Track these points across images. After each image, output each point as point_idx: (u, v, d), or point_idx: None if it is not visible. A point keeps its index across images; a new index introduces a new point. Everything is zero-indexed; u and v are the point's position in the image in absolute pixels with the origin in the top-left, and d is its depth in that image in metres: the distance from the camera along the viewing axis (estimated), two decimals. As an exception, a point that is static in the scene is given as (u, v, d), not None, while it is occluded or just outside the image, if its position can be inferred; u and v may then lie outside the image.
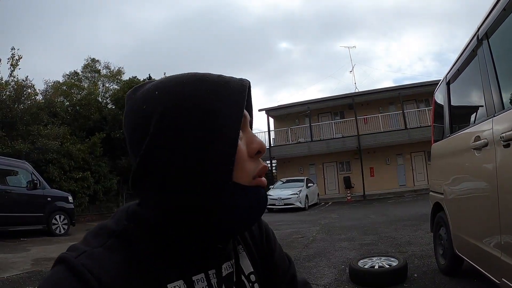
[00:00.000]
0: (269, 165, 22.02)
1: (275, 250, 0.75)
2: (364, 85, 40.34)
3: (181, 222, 0.51)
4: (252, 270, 0.67)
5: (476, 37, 2.07)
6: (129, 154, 0.54)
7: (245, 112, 0.55)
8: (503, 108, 1.78)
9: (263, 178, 0.56)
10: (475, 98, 2.34)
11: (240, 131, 0.53)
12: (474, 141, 2.12)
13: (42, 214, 7.62)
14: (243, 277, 0.64)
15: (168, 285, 0.51)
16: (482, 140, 1.98)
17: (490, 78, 1.89)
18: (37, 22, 39.03)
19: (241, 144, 0.53)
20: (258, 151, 0.55)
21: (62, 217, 8.10)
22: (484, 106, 2.03)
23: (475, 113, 2.37)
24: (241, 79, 0.56)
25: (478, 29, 2.03)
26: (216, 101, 0.50)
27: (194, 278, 0.54)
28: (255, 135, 0.57)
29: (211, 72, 0.56)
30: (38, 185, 7.68)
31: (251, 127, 0.60)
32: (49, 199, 7.90)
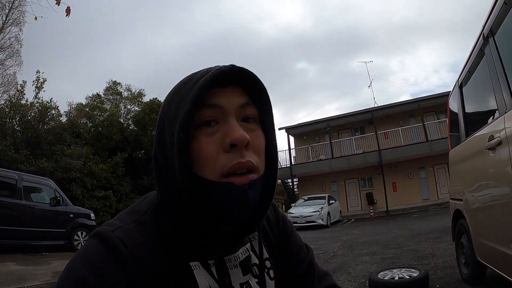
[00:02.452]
0: (290, 183, 22.20)
1: (291, 236, 0.76)
2: (382, 101, 40.06)
3: (180, 209, 0.54)
4: (268, 256, 0.68)
5: (481, 35, 2.05)
6: None
7: (225, 102, 0.54)
8: (514, 104, 1.74)
9: (245, 176, 0.52)
10: (488, 98, 2.29)
11: (217, 123, 0.53)
12: (488, 141, 2.07)
13: (64, 230, 7.76)
14: (257, 261, 0.65)
15: (190, 263, 0.54)
16: (496, 139, 1.93)
17: (499, 75, 1.86)
18: (61, 47, 40.84)
19: (210, 138, 0.52)
20: (232, 144, 0.51)
21: (84, 233, 8.23)
22: (496, 104, 1.99)
23: (488, 114, 2.32)
24: (216, 68, 0.54)
25: (483, 27, 2.01)
26: (177, 100, 0.54)
27: (210, 261, 0.57)
28: (234, 127, 0.52)
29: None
30: (61, 202, 7.86)
31: (266, 111, 0.59)
32: (71, 215, 8.06)
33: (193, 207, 0.52)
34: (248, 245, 0.65)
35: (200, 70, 0.56)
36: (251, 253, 0.65)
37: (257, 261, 0.65)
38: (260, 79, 0.57)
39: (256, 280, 0.63)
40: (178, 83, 0.58)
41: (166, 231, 0.54)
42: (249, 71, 0.56)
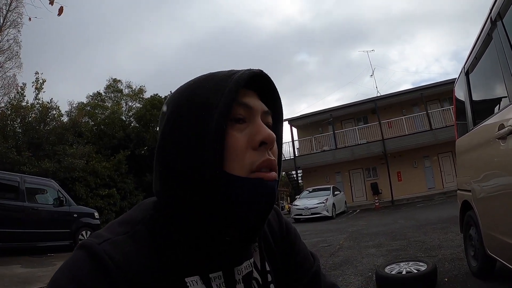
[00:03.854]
0: (294, 175, 22.20)
1: (296, 244, 0.72)
2: (383, 90, 39.99)
3: (188, 213, 0.51)
4: (269, 269, 0.64)
5: (489, 19, 1.95)
6: None
7: (254, 103, 0.55)
8: (526, 91, 1.65)
9: (271, 173, 0.53)
10: (496, 85, 2.19)
11: (244, 122, 0.53)
12: (498, 131, 1.97)
13: (68, 230, 7.78)
14: (258, 277, 0.62)
15: (186, 279, 0.50)
16: (506, 128, 1.84)
17: (509, 61, 1.76)
18: (61, 47, 40.90)
19: (240, 135, 0.52)
20: (263, 142, 0.52)
21: (89, 232, 8.22)
22: (506, 92, 1.89)
23: (497, 102, 2.22)
24: (248, 70, 0.55)
25: (491, 10, 1.91)
26: (210, 93, 0.52)
27: (211, 275, 0.53)
28: (263, 126, 0.54)
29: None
30: (64, 202, 7.88)
31: (279, 120, 0.61)
32: (75, 215, 8.08)
33: (208, 207, 0.50)
34: (252, 259, 0.62)
35: (229, 72, 0.56)
36: (253, 267, 0.61)
37: (257, 275, 0.61)
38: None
39: None
40: (200, 77, 0.56)
41: (161, 243, 0.50)
42: (270, 78, 0.58)
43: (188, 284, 0.50)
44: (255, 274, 0.61)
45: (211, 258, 0.53)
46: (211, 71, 0.57)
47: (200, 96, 0.52)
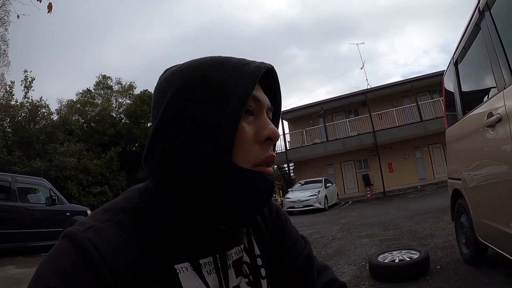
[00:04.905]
0: (286, 168, 22.23)
1: (287, 228, 0.72)
2: (373, 83, 40.05)
3: (186, 200, 0.50)
4: (259, 253, 0.64)
5: (477, 9, 1.97)
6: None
7: (263, 97, 0.55)
8: (514, 80, 1.68)
9: (270, 168, 0.54)
10: (485, 74, 2.23)
11: (252, 115, 0.53)
12: (487, 119, 2.01)
13: (62, 229, 7.68)
14: (249, 261, 0.61)
15: (175, 266, 0.50)
16: (495, 116, 1.88)
17: (497, 51, 1.79)
18: (49, 45, 40.26)
19: (249, 127, 0.52)
20: (268, 138, 0.53)
21: (82, 231, 8.18)
22: (494, 81, 1.93)
23: (486, 91, 2.26)
24: (262, 63, 0.54)
25: (479, 1, 1.93)
26: (227, 79, 0.50)
27: (201, 261, 0.53)
28: (269, 122, 0.54)
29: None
30: (56, 201, 7.79)
31: (277, 117, 0.61)
32: (68, 214, 7.99)
33: (208, 200, 0.49)
34: (242, 245, 0.61)
35: (243, 61, 0.55)
36: (243, 252, 0.61)
37: (247, 259, 0.61)
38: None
39: (246, 280, 0.59)
40: (211, 58, 0.53)
41: (147, 231, 0.49)
42: (278, 77, 0.59)
43: (178, 271, 0.49)
44: (246, 259, 0.61)
45: (200, 245, 0.53)
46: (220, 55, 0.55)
47: (217, 79, 0.50)
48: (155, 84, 0.56)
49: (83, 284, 0.42)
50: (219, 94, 0.49)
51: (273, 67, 0.56)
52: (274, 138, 0.53)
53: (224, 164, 0.48)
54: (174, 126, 0.49)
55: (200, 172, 0.48)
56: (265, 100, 0.55)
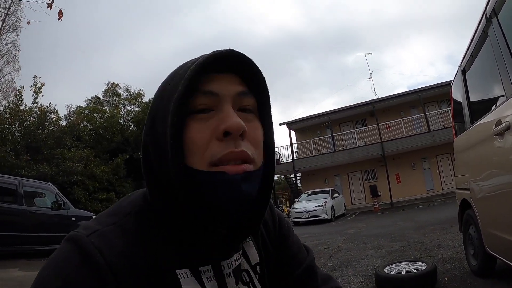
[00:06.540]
0: (293, 178, 22.14)
1: (289, 237, 0.71)
2: (379, 94, 39.90)
3: (171, 209, 0.50)
4: (258, 261, 0.63)
5: (484, 16, 1.95)
6: None
7: (220, 89, 0.50)
8: (523, 86, 1.65)
9: (242, 165, 0.48)
10: (493, 82, 2.19)
11: (209, 112, 0.49)
12: (496, 127, 1.97)
13: (66, 234, 7.73)
14: (249, 269, 0.61)
15: (176, 271, 0.49)
16: (504, 124, 1.84)
17: (505, 57, 1.77)
18: (59, 51, 41.02)
19: (203, 125, 0.48)
20: (226, 131, 0.47)
21: (87, 236, 8.19)
22: (503, 88, 1.90)
23: (494, 99, 2.22)
24: (213, 52, 0.50)
25: (486, 7, 1.91)
26: (172, 86, 0.50)
27: (201, 269, 0.52)
28: (229, 115, 0.49)
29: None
30: (62, 206, 7.82)
31: (264, 104, 0.55)
32: (73, 219, 8.01)
33: (186, 203, 0.48)
34: (240, 251, 0.60)
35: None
36: (243, 259, 0.60)
37: (247, 267, 0.60)
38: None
39: (246, 287, 0.58)
40: (173, 70, 0.54)
41: (150, 235, 0.48)
42: (248, 57, 0.52)
43: (179, 276, 0.49)
44: (246, 266, 0.60)
45: (199, 252, 0.52)
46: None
47: (166, 89, 0.51)
48: None
49: None
50: (167, 104, 0.49)
51: (231, 51, 0.50)
52: (232, 130, 0.47)
53: (179, 169, 0.47)
54: (146, 143, 0.53)
55: (165, 181, 0.50)
56: (226, 90, 0.50)
